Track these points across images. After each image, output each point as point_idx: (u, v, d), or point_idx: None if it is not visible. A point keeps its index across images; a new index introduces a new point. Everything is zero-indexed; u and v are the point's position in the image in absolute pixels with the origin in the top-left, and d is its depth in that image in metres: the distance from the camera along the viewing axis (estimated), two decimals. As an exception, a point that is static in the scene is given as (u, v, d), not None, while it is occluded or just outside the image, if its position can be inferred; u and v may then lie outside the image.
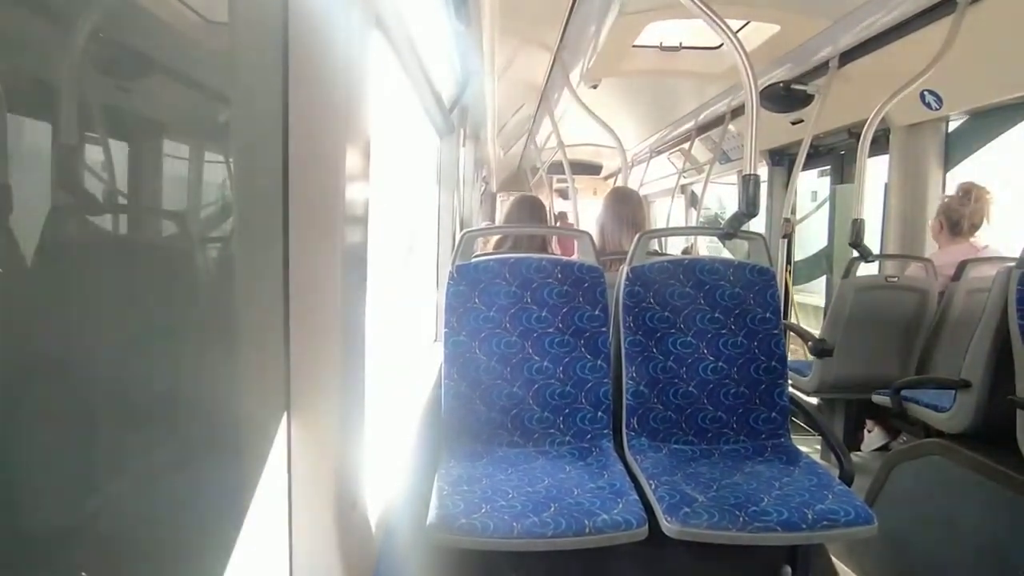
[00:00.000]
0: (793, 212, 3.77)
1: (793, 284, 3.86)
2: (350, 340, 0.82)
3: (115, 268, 0.52)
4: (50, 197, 0.44)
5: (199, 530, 0.58)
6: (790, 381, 1.73)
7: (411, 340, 2.38)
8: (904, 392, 2.06)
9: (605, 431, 1.52)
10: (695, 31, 2.55)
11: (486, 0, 1.62)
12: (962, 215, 2.35)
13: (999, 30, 1.93)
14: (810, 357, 2.46)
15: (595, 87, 3.19)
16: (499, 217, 6.69)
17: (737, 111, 3.56)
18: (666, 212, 5.16)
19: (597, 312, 1.54)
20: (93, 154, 0.47)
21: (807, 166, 3.10)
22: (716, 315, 1.55)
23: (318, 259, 0.74)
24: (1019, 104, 2.25)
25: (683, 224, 5.42)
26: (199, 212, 0.65)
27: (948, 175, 2.69)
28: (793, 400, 1.56)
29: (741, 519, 1.16)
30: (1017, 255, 1.57)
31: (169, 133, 0.59)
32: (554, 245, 2.70)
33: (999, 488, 1.48)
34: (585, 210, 3.72)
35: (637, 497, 1.23)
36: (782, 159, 3.71)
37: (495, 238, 2.41)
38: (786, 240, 3.76)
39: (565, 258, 1.62)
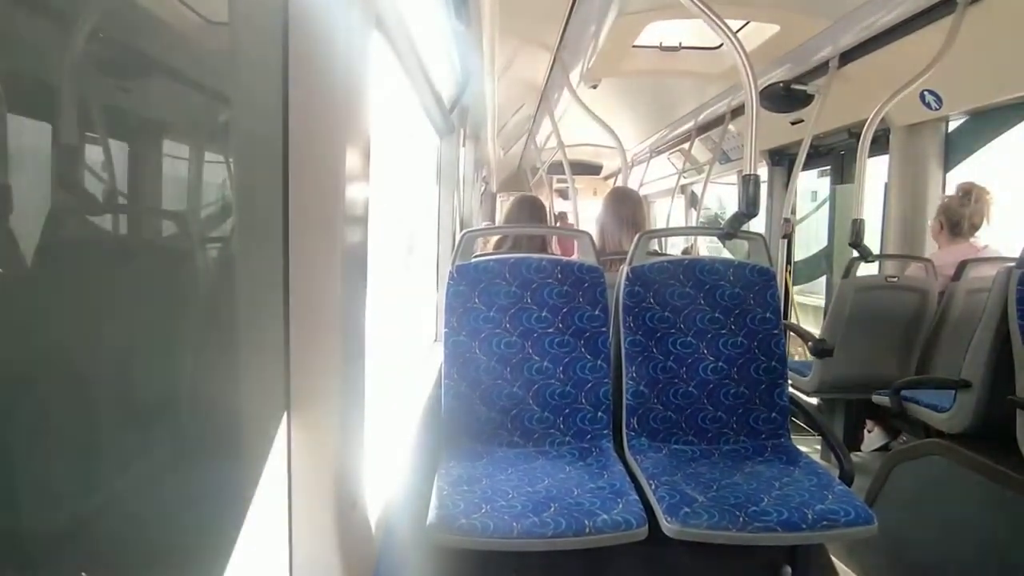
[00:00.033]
0: (793, 212, 3.77)
1: (793, 284, 3.86)
2: (350, 340, 0.82)
3: (115, 268, 0.52)
4: (50, 197, 0.44)
5: (199, 530, 0.58)
6: (790, 381, 1.73)
7: (411, 340, 2.38)
8: (904, 392, 2.06)
9: (605, 431, 1.52)
10: (695, 31, 2.55)
11: (486, 0, 1.62)
12: (962, 216, 2.35)
13: (999, 30, 1.93)
14: (810, 357, 2.46)
15: (595, 87, 3.19)
16: (499, 217, 6.70)
17: (737, 111, 3.56)
18: (666, 212, 5.16)
19: (597, 312, 1.54)
20: (93, 154, 0.47)
21: (807, 166, 3.11)
22: (716, 315, 1.55)
23: (318, 259, 0.74)
24: (1019, 104, 2.24)
25: (683, 224, 5.42)
26: (199, 212, 0.65)
27: (948, 175, 2.69)
28: (793, 400, 1.56)
29: (741, 519, 1.16)
30: (1017, 255, 1.58)
31: (169, 133, 0.59)
32: (554, 245, 2.70)
33: (999, 488, 1.48)
34: (585, 210, 3.71)
35: (637, 497, 1.23)
36: (782, 159, 3.71)
37: (495, 238, 2.41)
38: (786, 240, 3.76)
39: (565, 258, 1.62)
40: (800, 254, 3.99)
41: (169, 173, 0.58)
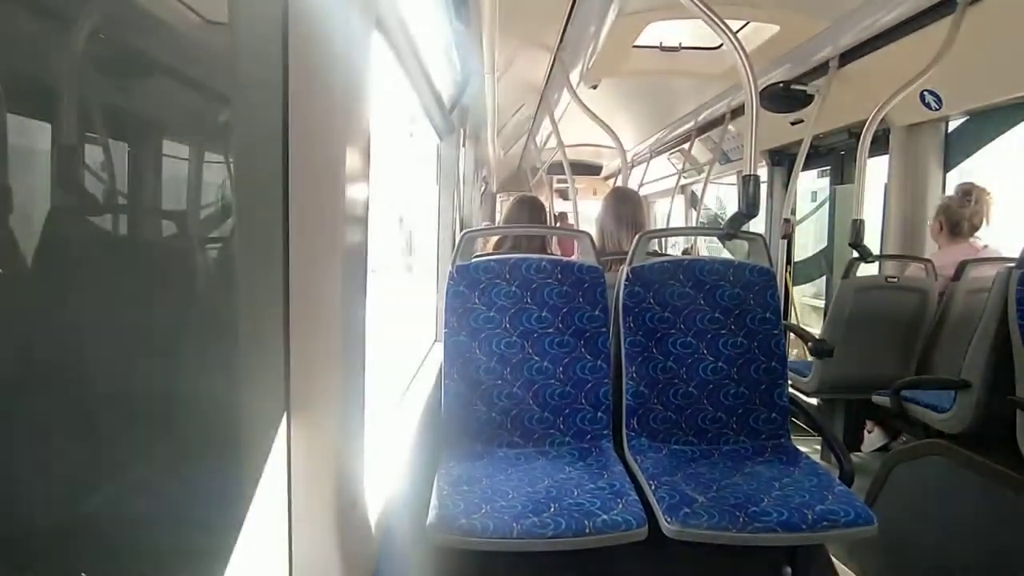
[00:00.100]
0: (793, 212, 3.77)
1: (793, 285, 3.86)
2: (350, 340, 0.82)
3: (115, 268, 0.52)
4: (50, 197, 0.44)
5: (199, 530, 0.58)
6: (790, 381, 1.73)
7: (411, 340, 2.38)
8: (904, 392, 2.06)
9: (605, 431, 1.52)
10: (695, 31, 2.55)
11: (486, 0, 1.62)
12: (962, 216, 2.35)
13: (999, 30, 1.93)
14: (810, 357, 2.46)
15: (595, 87, 3.19)
16: (499, 217, 6.69)
17: (737, 111, 3.56)
18: (666, 212, 5.16)
19: (597, 312, 1.54)
20: (93, 154, 0.47)
21: (807, 166, 3.11)
22: (716, 315, 1.55)
23: (318, 259, 0.74)
24: (1019, 104, 2.25)
25: (683, 224, 5.42)
26: (199, 212, 0.65)
27: (948, 175, 2.69)
28: (793, 400, 1.56)
29: (741, 519, 1.16)
30: (1017, 255, 1.58)
31: (169, 133, 0.59)
32: (554, 245, 2.71)
33: (999, 488, 1.48)
34: (585, 210, 3.72)
35: (637, 497, 1.23)
36: (782, 159, 3.71)
37: (495, 238, 2.41)
38: (786, 240, 3.76)
39: (565, 258, 1.62)
40: (800, 254, 3.99)
41: (169, 173, 0.58)
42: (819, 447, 2.75)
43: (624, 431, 1.50)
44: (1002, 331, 1.59)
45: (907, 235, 2.75)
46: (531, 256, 1.59)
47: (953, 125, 2.65)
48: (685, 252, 4.74)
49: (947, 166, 2.68)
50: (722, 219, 5.51)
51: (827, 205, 3.63)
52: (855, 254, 2.45)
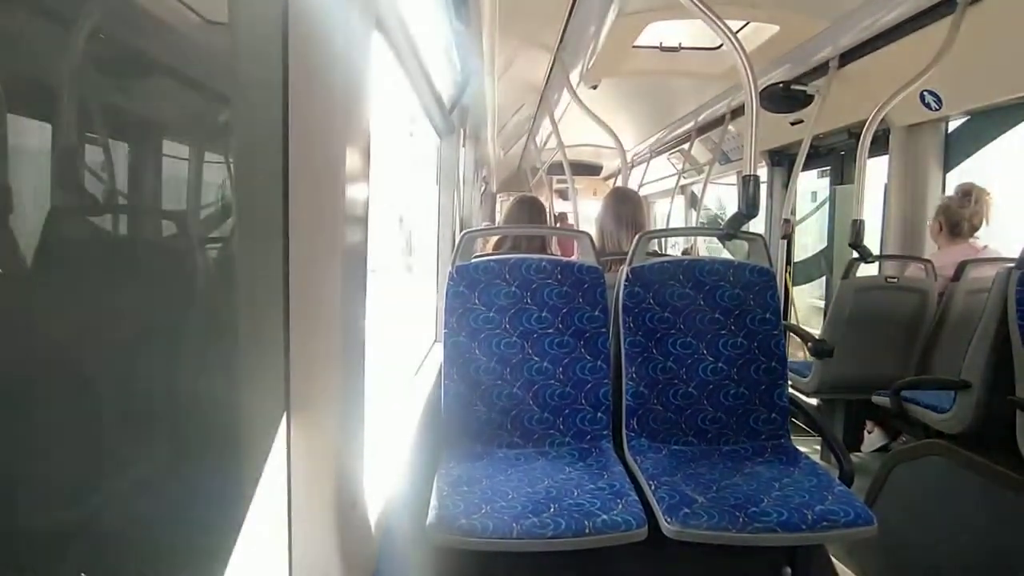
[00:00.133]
0: (793, 213, 3.77)
1: (793, 285, 3.86)
2: (350, 340, 0.82)
3: (115, 268, 0.52)
4: (50, 197, 0.44)
5: (199, 530, 0.58)
6: (790, 382, 1.73)
7: (411, 340, 2.38)
8: (904, 393, 2.06)
9: (605, 432, 1.52)
10: (695, 31, 2.55)
11: (486, 0, 1.62)
12: (962, 216, 2.35)
13: (999, 30, 1.94)
14: (810, 358, 2.46)
15: (595, 88, 3.18)
16: (499, 218, 6.69)
17: (737, 111, 3.56)
18: (666, 213, 5.16)
19: (597, 313, 1.54)
20: (93, 154, 0.47)
21: (807, 166, 3.11)
22: (716, 316, 1.55)
23: (318, 259, 0.74)
24: (1019, 104, 2.25)
25: (683, 224, 5.42)
26: (199, 212, 0.65)
27: (948, 175, 2.69)
28: (793, 401, 1.56)
29: (741, 520, 1.16)
30: (1017, 255, 1.57)
31: (169, 133, 0.59)
32: (554, 246, 2.71)
33: (999, 488, 1.48)
34: (585, 210, 3.72)
35: (637, 498, 1.23)
36: (782, 159, 3.71)
37: (495, 239, 2.41)
38: (786, 241, 3.76)
39: (565, 259, 1.62)
40: (800, 255, 3.99)
41: (169, 173, 0.58)
42: (819, 447, 2.75)
43: (624, 431, 1.50)
44: (1002, 331, 1.59)
45: (907, 235, 2.75)
46: (531, 256, 1.59)
47: (953, 125, 2.65)
48: (685, 252, 4.75)
49: (947, 166, 2.68)
50: (722, 219, 5.50)
51: (827, 205, 3.63)
52: (855, 254, 2.45)
